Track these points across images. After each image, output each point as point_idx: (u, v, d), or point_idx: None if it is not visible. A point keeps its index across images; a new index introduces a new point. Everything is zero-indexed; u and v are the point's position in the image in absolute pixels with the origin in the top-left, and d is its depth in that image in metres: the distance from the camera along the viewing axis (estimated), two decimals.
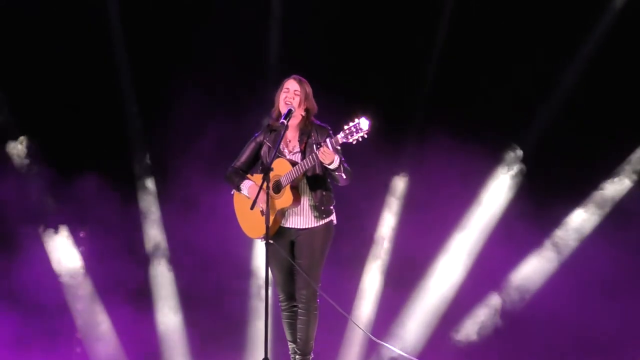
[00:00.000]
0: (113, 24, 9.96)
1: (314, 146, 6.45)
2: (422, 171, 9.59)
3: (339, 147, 6.32)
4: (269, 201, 6.34)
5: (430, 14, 9.69)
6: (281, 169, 6.45)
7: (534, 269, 9.54)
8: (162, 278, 10.01)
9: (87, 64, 9.81)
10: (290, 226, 6.54)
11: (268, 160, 6.53)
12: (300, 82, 6.59)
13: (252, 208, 6.42)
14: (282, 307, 6.66)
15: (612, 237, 9.17)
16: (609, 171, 9.45)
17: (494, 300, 9.57)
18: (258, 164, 6.70)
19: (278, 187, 6.46)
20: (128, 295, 9.74)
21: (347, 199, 7.72)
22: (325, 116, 6.66)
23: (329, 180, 6.55)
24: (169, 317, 9.97)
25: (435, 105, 9.66)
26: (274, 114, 6.67)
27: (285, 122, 6.46)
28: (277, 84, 6.68)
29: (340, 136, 6.24)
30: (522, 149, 9.63)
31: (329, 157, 6.27)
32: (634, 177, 9.39)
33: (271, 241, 6.42)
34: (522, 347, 9.44)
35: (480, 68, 9.50)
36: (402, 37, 9.64)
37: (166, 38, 9.80)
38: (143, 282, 9.94)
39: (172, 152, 9.82)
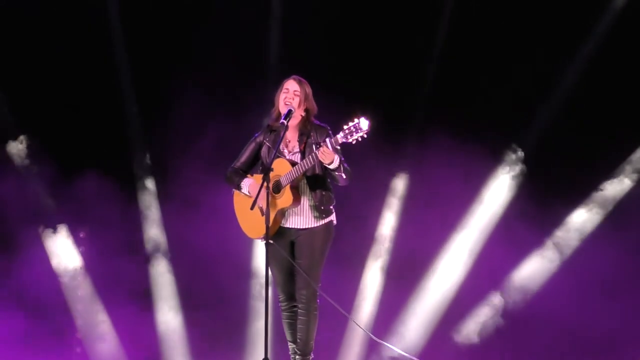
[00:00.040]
0: (113, 24, 9.96)
1: (314, 146, 6.46)
2: (422, 171, 9.59)
3: (338, 147, 6.32)
4: (269, 201, 6.34)
5: (430, 14, 9.69)
6: (281, 169, 6.45)
7: (534, 268, 9.54)
8: (162, 278, 10.01)
9: (87, 64, 9.82)
10: (290, 226, 6.54)
11: (268, 161, 6.53)
12: (300, 83, 6.59)
13: (252, 208, 6.42)
14: (282, 308, 6.66)
15: (612, 237, 9.17)
16: (609, 171, 9.45)
17: (495, 300, 9.57)
18: (258, 165, 6.70)
19: (278, 187, 6.46)
20: (128, 295, 9.74)
21: (347, 199, 7.73)
22: (325, 116, 6.66)
23: (328, 180, 6.55)
24: (169, 317, 9.96)
25: (435, 105, 9.66)
26: (274, 115, 6.67)
27: (285, 122, 6.46)
28: (277, 84, 6.68)
29: (340, 136, 6.24)
30: (522, 149, 9.62)
31: (329, 157, 6.27)
32: (635, 177, 9.39)
33: (271, 241, 6.42)
34: (523, 346, 9.44)
35: (480, 68, 9.50)
36: (402, 37, 9.63)
37: (166, 38, 9.80)
38: (143, 282, 9.94)
39: (172, 152, 9.81)
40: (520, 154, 9.63)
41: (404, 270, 9.69)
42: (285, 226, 6.55)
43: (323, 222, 6.52)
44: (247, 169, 6.71)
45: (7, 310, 9.51)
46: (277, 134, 6.59)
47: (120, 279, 9.71)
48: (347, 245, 8.99)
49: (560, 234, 9.52)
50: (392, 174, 9.85)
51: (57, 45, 9.75)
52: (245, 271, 9.88)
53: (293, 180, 6.43)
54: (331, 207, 6.56)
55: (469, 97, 9.52)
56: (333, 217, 6.58)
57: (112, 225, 9.71)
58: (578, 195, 9.52)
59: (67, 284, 9.89)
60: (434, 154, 9.33)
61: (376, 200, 9.82)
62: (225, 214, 7.06)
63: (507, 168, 9.66)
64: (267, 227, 6.35)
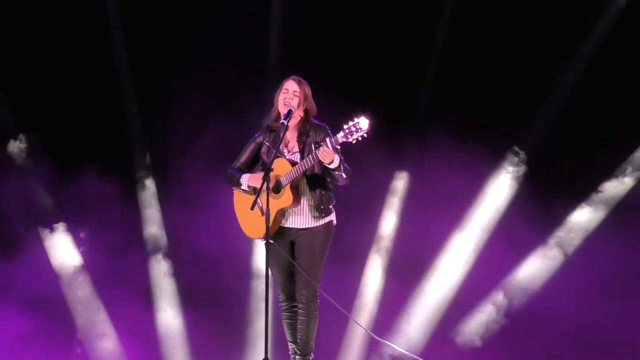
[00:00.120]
0: (113, 24, 9.97)
1: (312, 145, 6.46)
2: (423, 171, 9.59)
3: (338, 147, 6.32)
4: (269, 201, 6.34)
5: (430, 14, 9.69)
6: (281, 169, 6.46)
7: (534, 268, 9.54)
8: (162, 278, 10.02)
9: (87, 64, 9.82)
10: (290, 226, 6.54)
11: (268, 161, 6.53)
12: (299, 83, 6.59)
13: (252, 208, 6.42)
14: (282, 308, 6.66)
15: (613, 237, 9.17)
16: (609, 171, 9.46)
17: (495, 300, 9.57)
18: (258, 165, 6.70)
19: (278, 187, 6.46)
20: (128, 295, 9.73)
21: (348, 199, 7.72)
22: (325, 116, 6.66)
23: (328, 179, 6.55)
24: (169, 317, 9.97)
25: (435, 105, 9.66)
26: (273, 115, 6.67)
27: (285, 122, 6.46)
28: (277, 84, 6.68)
29: (340, 135, 6.24)
30: (522, 149, 9.62)
31: (329, 156, 6.27)
32: (635, 176, 9.39)
33: (271, 241, 6.43)
34: (523, 346, 9.44)
35: (480, 68, 9.50)
36: (402, 37, 9.64)
37: (166, 38, 9.80)
38: (143, 282, 9.94)
39: (172, 152, 9.82)
40: (521, 153, 9.63)
41: (405, 270, 9.69)
42: (285, 226, 6.55)
43: (323, 222, 6.52)
44: (247, 169, 6.70)
45: (7, 311, 9.51)
46: (276, 134, 6.59)
47: (121, 279, 9.71)
48: (347, 245, 8.99)
49: (560, 233, 9.52)
50: (392, 174, 9.86)
51: (57, 45, 9.75)
52: (245, 271, 9.88)
53: (293, 180, 6.43)
54: (331, 206, 6.56)
55: (469, 97, 9.52)
56: (333, 217, 6.58)
57: (112, 225, 9.71)
58: (578, 195, 9.52)
59: (67, 283, 9.89)
60: (434, 154, 9.33)
61: (376, 200, 9.83)
62: (226, 214, 7.06)
63: (508, 168, 9.66)
64: (267, 227, 6.35)
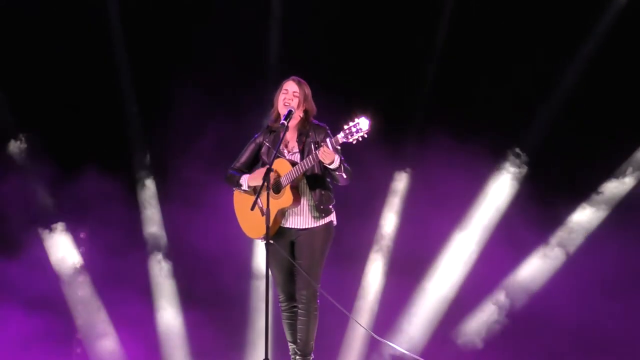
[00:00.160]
0: (113, 24, 9.97)
1: (312, 145, 6.46)
2: (423, 171, 9.59)
3: (339, 147, 6.32)
4: (269, 201, 6.34)
5: (430, 14, 9.69)
6: (281, 169, 6.46)
7: (535, 268, 9.54)
8: (162, 278, 10.01)
9: (87, 64, 9.82)
10: (290, 226, 6.54)
11: (268, 161, 6.53)
12: (299, 84, 6.59)
13: (252, 208, 6.41)
14: (282, 308, 6.66)
15: (613, 237, 9.17)
16: (609, 171, 9.45)
17: (496, 300, 9.57)
18: (258, 165, 6.70)
19: (278, 187, 6.46)
20: (128, 296, 9.73)
21: (348, 199, 7.72)
22: (325, 116, 6.66)
23: (328, 179, 6.55)
24: (169, 317, 9.96)
25: (435, 105, 9.66)
26: (273, 115, 6.67)
27: (285, 122, 6.46)
28: (277, 84, 6.68)
29: (340, 136, 6.24)
30: (522, 149, 9.62)
31: (329, 156, 6.28)
32: (635, 176, 9.39)
33: (271, 241, 6.42)
34: (524, 346, 9.44)
35: (480, 68, 9.50)
36: (402, 37, 9.64)
37: (166, 38, 9.80)
38: (143, 282, 9.94)
39: (172, 152, 9.82)
40: (521, 153, 9.63)
41: (405, 270, 9.69)
42: (285, 226, 6.55)
43: (323, 222, 6.52)
44: (247, 170, 6.70)
45: (7, 311, 9.51)
46: (276, 134, 6.59)
47: (121, 279, 9.71)
48: (347, 245, 8.98)
49: (561, 233, 9.52)
50: (392, 174, 9.85)
51: (57, 45, 9.75)
52: (245, 271, 9.88)
53: (293, 180, 6.43)
54: (331, 206, 6.56)
55: (469, 97, 9.52)
56: (333, 218, 6.58)
57: (112, 225, 9.71)
58: (579, 195, 9.52)
59: (67, 283, 9.89)
60: (434, 153, 9.33)
61: (377, 200, 9.82)
62: (226, 214, 7.06)
63: (508, 168, 9.65)
64: (268, 227, 6.35)
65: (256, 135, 6.73)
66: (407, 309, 9.72)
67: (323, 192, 6.52)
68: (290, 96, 6.57)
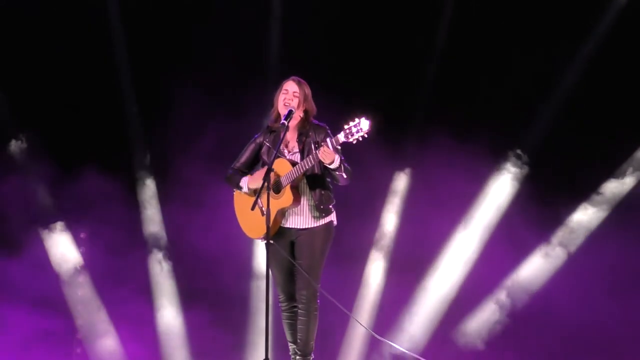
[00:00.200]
0: (113, 24, 9.97)
1: (312, 145, 6.46)
2: (423, 171, 9.60)
3: (339, 147, 6.33)
4: (269, 201, 6.34)
5: (430, 14, 9.69)
6: (281, 169, 6.46)
7: (536, 268, 9.54)
8: (163, 278, 10.01)
9: (87, 64, 9.82)
10: (290, 226, 6.54)
11: (268, 161, 6.53)
12: (299, 84, 6.59)
13: (252, 208, 6.42)
14: (282, 308, 6.66)
15: (614, 236, 9.17)
16: (610, 171, 9.45)
17: (496, 300, 9.57)
18: (258, 165, 6.70)
19: (278, 187, 6.46)
20: (128, 296, 9.73)
21: (348, 199, 7.72)
22: (325, 116, 6.67)
23: (328, 179, 6.55)
24: (169, 317, 9.96)
25: (435, 105, 9.66)
26: (273, 115, 6.67)
27: (286, 122, 6.46)
28: (277, 84, 6.68)
29: (340, 136, 6.24)
30: (522, 148, 9.62)
31: (330, 156, 6.28)
32: (636, 176, 9.39)
33: (271, 241, 6.42)
34: (525, 345, 9.44)
35: (480, 68, 9.50)
36: (402, 37, 9.64)
37: (166, 38, 9.80)
38: (143, 282, 9.94)
39: (172, 152, 9.82)
40: (521, 153, 9.63)
41: (406, 270, 9.69)
42: (285, 226, 6.55)
43: (323, 222, 6.52)
44: (247, 170, 6.71)
45: (7, 310, 9.51)
46: (277, 134, 6.59)
47: (121, 279, 9.71)
48: (347, 245, 8.99)
49: (561, 233, 9.52)
50: (392, 174, 9.85)
51: (57, 45, 9.75)
52: (245, 271, 9.88)
53: (293, 180, 6.43)
54: (331, 206, 6.56)
55: (469, 97, 9.52)
56: (333, 217, 6.58)
57: (112, 225, 9.71)
58: (579, 195, 9.52)
59: (67, 283, 9.89)
60: (435, 153, 9.33)
61: (377, 200, 9.83)
62: (226, 214, 7.06)
63: (508, 168, 9.65)
64: (268, 227, 6.35)
65: (256, 135, 6.74)
66: (408, 309, 9.72)
67: (323, 192, 6.52)
68: (290, 96, 6.57)
